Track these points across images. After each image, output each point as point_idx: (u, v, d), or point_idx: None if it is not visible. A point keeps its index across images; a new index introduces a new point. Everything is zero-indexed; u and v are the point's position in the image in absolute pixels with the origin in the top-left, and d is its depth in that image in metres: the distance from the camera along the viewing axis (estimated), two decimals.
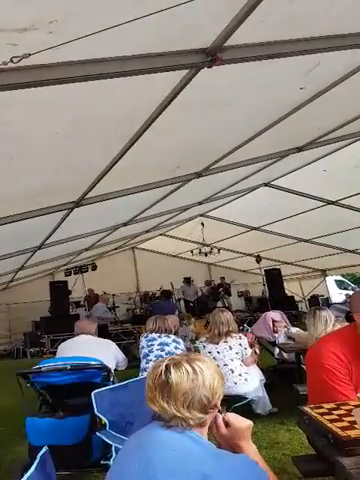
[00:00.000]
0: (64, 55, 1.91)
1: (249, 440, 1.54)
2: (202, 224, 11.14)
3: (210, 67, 2.44)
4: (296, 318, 12.09)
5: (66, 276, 12.46)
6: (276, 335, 5.88)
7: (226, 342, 4.50)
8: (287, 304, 12.42)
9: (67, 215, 5.26)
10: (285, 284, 13.84)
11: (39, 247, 6.97)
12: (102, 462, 3.03)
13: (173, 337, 4.52)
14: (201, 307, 13.21)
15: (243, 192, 8.56)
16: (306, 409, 1.94)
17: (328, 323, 3.89)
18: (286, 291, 13.83)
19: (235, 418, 1.54)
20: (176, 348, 4.36)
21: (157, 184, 5.21)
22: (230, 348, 4.48)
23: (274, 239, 11.82)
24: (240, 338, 4.54)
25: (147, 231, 10.71)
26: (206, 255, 12.76)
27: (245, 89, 3.23)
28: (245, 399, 4.37)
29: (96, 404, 2.71)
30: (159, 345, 4.36)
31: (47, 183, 3.88)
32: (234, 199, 9.07)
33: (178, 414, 1.36)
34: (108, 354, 3.86)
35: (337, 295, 17.14)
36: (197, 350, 4.87)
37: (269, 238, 11.78)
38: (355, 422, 1.68)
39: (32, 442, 3.14)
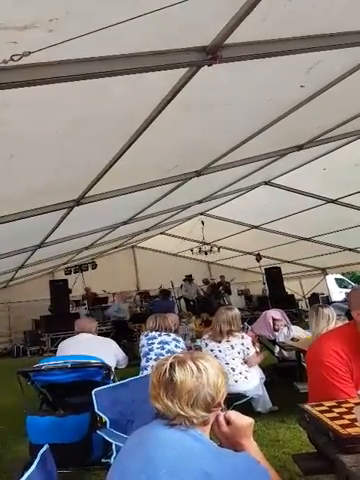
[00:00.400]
0: (64, 53, 1.91)
1: (250, 438, 1.54)
2: (202, 223, 11.14)
3: (210, 65, 2.44)
4: (296, 316, 12.11)
5: (66, 275, 12.48)
6: (276, 333, 5.89)
7: (228, 341, 4.52)
8: (287, 302, 12.43)
9: (67, 214, 5.27)
10: (285, 282, 13.85)
11: (39, 246, 6.97)
12: (103, 460, 3.03)
13: (173, 336, 4.52)
14: (201, 306, 13.18)
15: (243, 191, 8.57)
16: (307, 407, 1.95)
17: (330, 320, 3.89)
18: (286, 289, 13.84)
19: (236, 416, 1.54)
20: (176, 347, 4.36)
21: (157, 183, 5.21)
22: (232, 347, 4.49)
23: (274, 237, 11.83)
24: (243, 338, 4.55)
25: (147, 230, 10.71)
26: (206, 254, 12.77)
27: (245, 88, 3.23)
28: (246, 397, 4.38)
29: (96, 402, 2.71)
30: (159, 344, 4.37)
31: (47, 182, 3.88)
32: (234, 198, 9.07)
33: (182, 412, 1.35)
34: (108, 353, 3.87)
35: (337, 293, 17.12)
36: (198, 348, 4.88)
37: (269, 236, 11.78)
38: (356, 420, 1.68)
39: (33, 440, 3.14)
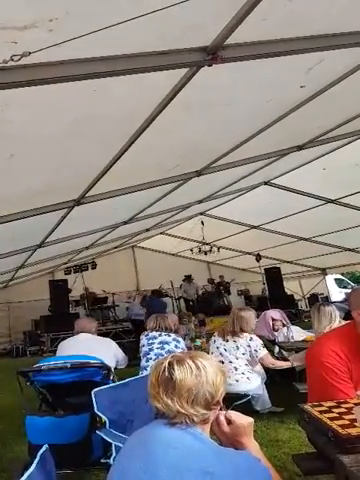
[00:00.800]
0: (64, 53, 1.91)
1: (251, 437, 1.54)
2: (202, 223, 11.13)
3: (210, 66, 2.44)
4: (296, 317, 12.11)
5: (66, 275, 12.46)
6: (276, 334, 5.89)
7: (235, 341, 4.54)
8: (287, 303, 12.45)
9: (67, 213, 5.27)
10: (285, 283, 13.87)
11: (39, 245, 6.97)
12: (102, 461, 3.02)
13: (173, 336, 4.54)
14: (201, 306, 13.16)
15: (243, 190, 8.57)
16: (306, 407, 1.95)
17: (333, 318, 3.88)
18: (286, 290, 13.86)
19: (237, 415, 1.54)
20: (176, 347, 4.37)
21: (157, 183, 5.21)
22: (237, 347, 4.51)
23: (274, 238, 11.83)
24: (251, 339, 4.53)
25: (147, 230, 10.70)
26: (206, 254, 12.77)
27: (245, 88, 3.23)
28: (246, 397, 4.38)
29: (96, 402, 2.71)
30: (159, 343, 4.38)
31: (47, 182, 3.88)
32: (234, 198, 9.07)
33: (182, 410, 1.35)
34: (108, 353, 3.86)
35: (337, 294, 17.14)
36: (198, 348, 4.88)
37: (269, 237, 11.78)
38: (355, 420, 1.68)
39: (32, 441, 3.13)
